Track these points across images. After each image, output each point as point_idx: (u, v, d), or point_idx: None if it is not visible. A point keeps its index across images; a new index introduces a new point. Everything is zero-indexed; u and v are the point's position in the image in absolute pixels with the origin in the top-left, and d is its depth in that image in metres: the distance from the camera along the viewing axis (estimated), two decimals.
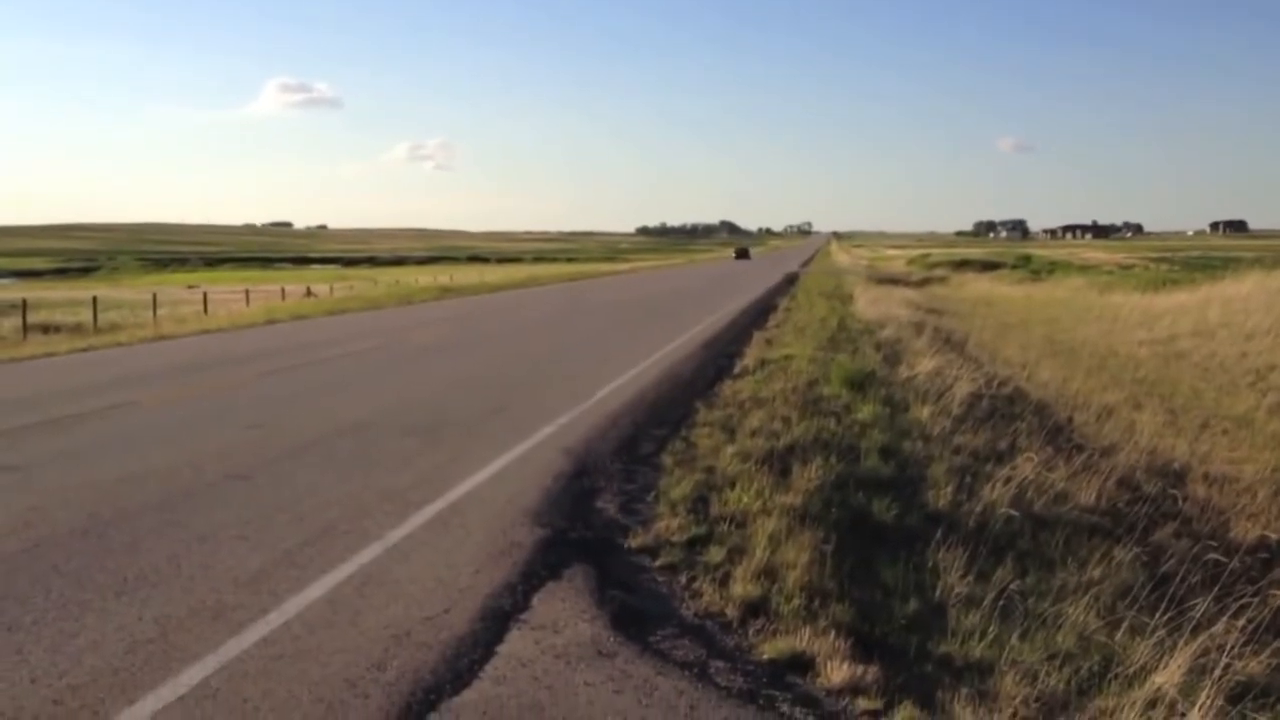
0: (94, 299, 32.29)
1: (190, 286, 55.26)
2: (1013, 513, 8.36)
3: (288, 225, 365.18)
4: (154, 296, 36.17)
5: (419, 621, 5.49)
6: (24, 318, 28.22)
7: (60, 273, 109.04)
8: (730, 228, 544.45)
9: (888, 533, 7.69)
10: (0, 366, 17.89)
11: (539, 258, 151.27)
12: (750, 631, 5.58)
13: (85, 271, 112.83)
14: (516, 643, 5.30)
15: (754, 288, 45.72)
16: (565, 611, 5.73)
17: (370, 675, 4.84)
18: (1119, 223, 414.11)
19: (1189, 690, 5.18)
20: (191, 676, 4.77)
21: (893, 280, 57.96)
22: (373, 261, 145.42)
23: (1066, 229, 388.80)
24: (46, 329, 28.03)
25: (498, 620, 5.57)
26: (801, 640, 5.39)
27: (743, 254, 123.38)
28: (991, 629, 5.88)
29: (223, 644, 5.14)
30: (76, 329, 28.41)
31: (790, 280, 54.23)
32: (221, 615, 5.51)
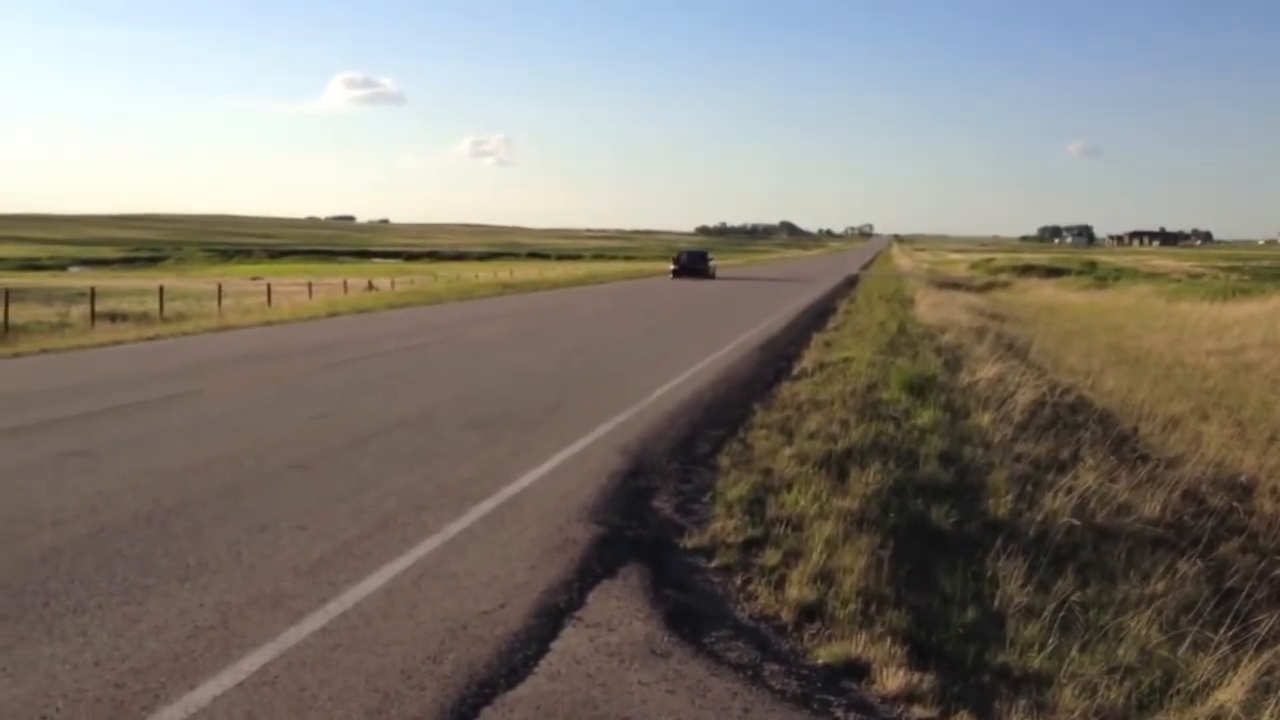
0: (160, 289, 32.90)
1: (254, 278, 56.18)
2: (1075, 522, 8.23)
3: (350, 219, 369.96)
4: (219, 287, 36.76)
5: (475, 616, 5.52)
6: (92, 306, 28.85)
7: (128, 262, 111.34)
8: (790, 228, 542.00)
9: (946, 540, 7.61)
10: (70, 354, 18.32)
11: (599, 255, 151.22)
12: (805, 635, 5.55)
13: (152, 261, 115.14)
14: (571, 639, 5.31)
15: (813, 291, 45.46)
16: (620, 610, 5.74)
17: (426, 668, 4.88)
18: (1188, 230, 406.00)
19: (1252, 708, 5.07)
20: (251, 664, 4.84)
21: (954, 285, 57.32)
22: (434, 256, 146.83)
23: (1134, 235, 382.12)
24: (114, 317, 28.61)
25: (552, 617, 5.59)
26: (857, 646, 5.35)
27: (691, 266, 57.32)
28: (1051, 640, 5.80)
29: (282, 632, 5.21)
30: (143, 318, 28.98)
31: (850, 283, 53.86)
32: (281, 604, 5.59)
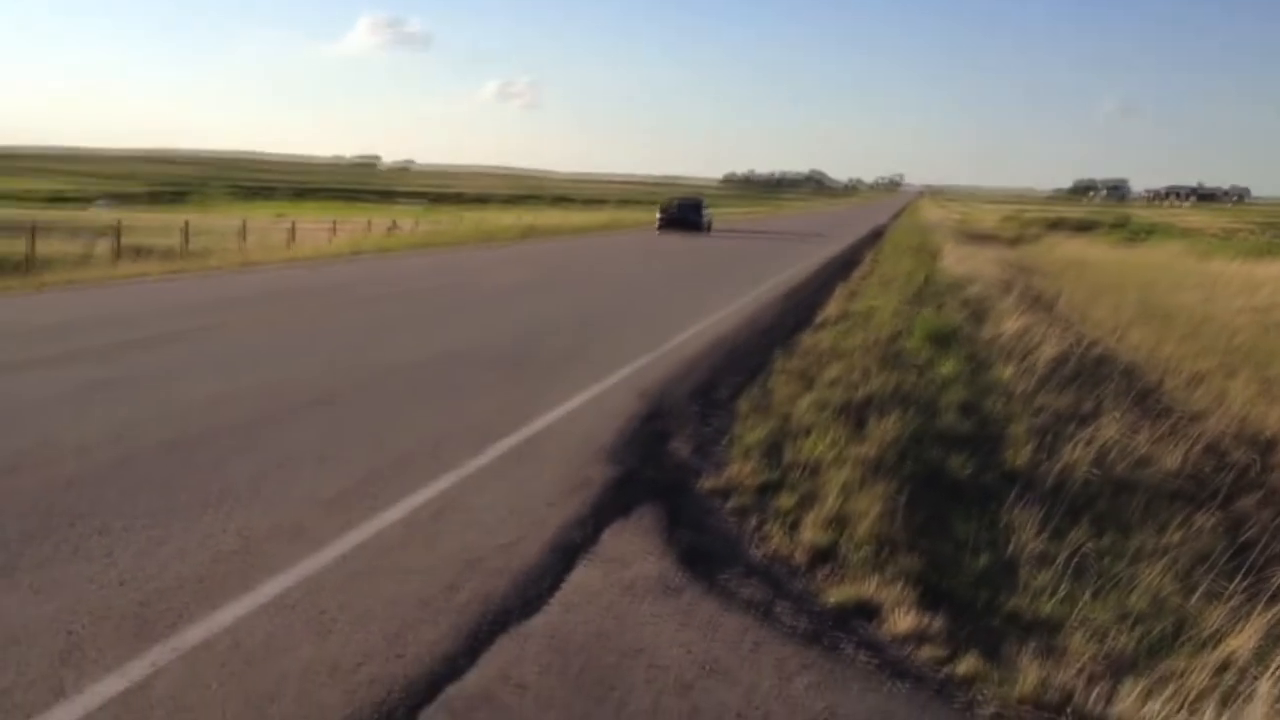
0: (185, 224, 33.05)
1: (278, 216, 56.23)
2: (1093, 472, 8.22)
3: (375, 160, 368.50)
4: (243, 225, 36.89)
5: (492, 549, 5.60)
6: (118, 240, 29.06)
7: (154, 198, 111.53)
8: (818, 179, 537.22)
9: (962, 488, 7.63)
10: (94, 287, 18.48)
11: (625, 201, 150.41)
12: (817, 577, 5.60)
13: (177, 197, 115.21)
14: (585, 574, 5.38)
15: (840, 240, 45.18)
16: (634, 548, 5.81)
17: (443, 596, 4.96)
18: (1224, 187, 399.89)
19: (1263, 655, 5.09)
20: (271, 588, 4.94)
21: (984, 238, 56.73)
22: (458, 199, 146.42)
23: (1169, 192, 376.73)
24: (139, 252, 28.82)
25: (568, 552, 5.66)
26: (869, 588, 5.40)
27: (682, 218, 48.55)
28: (1063, 587, 5.83)
29: (302, 560, 5.30)
30: (167, 253, 29.15)
31: (877, 234, 53.45)
32: (301, 533, 5.68)
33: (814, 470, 7.45)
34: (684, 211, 48.90)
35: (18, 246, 26.38)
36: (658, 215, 49.10)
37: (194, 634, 4.42)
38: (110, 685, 3.96)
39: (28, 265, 23.96)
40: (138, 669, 4.10)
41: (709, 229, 48.77)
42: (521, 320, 15.17)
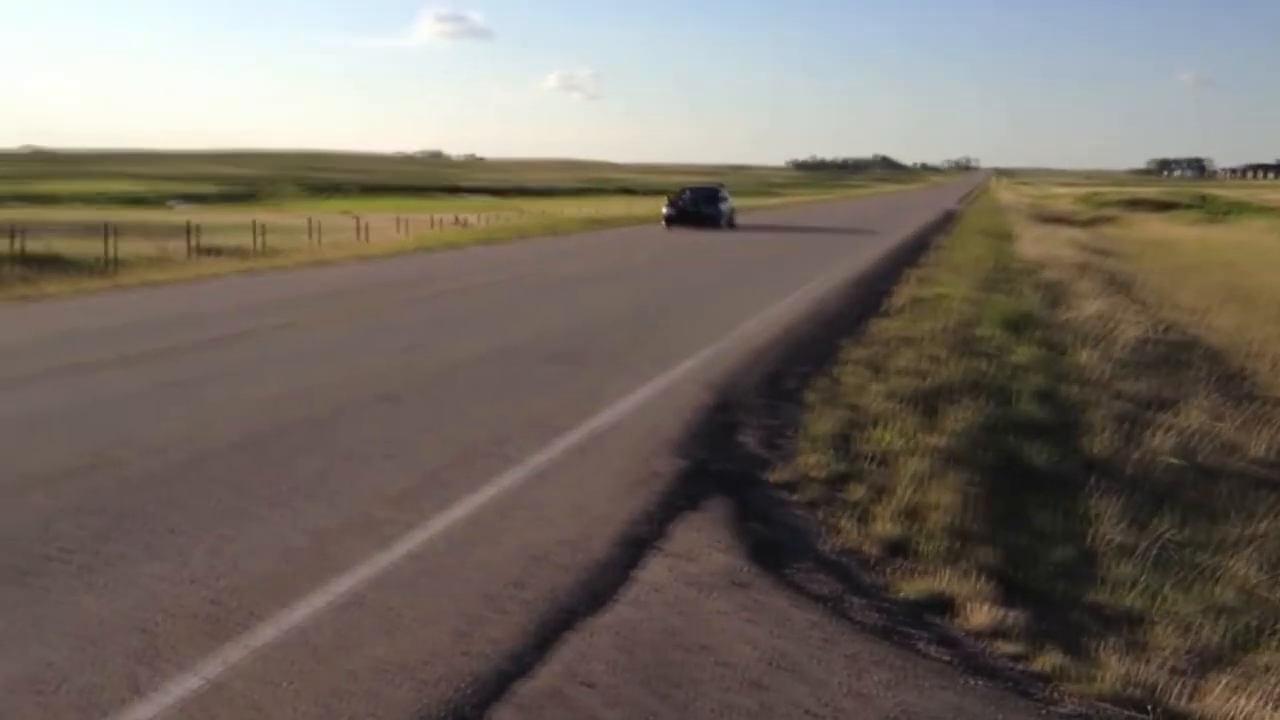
0: (254, 224, 33.60)
1: (346, 213, 57.01)
2: (1176, 461, 7.98)
3: (440, 154, 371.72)
4: (312, 222, 37.46)
5: (558, 544, 5.57)
6: (189, 240, 29.65)
7: (225, 198, 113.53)
8: (885, 162, 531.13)
9: (1040, 477, 7.44)
10: (169, 287, 18.86)
11: None
12: (889, 570, 5.48)
13: (248, 197, 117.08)
14: (652, 569, 5.33)
15: (909, 224, 44.55)
16: (702, 541, 5.74)
17: (509, 593, 4.94)
18: None
19: None
20: (341, 585, 4.96)
21: (1058, 220, 55.56)
22: (522, 192, 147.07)
23: (1250, 169, 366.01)
24: (211, 251, 29.42)
25: (634, 547, 5.61)
26: (943, 581, 5.27)
27: (694, 211, 38.85)
28: (1146, 579, 5.65)
29: (371, 556, 5.32)
30: (238, 252, 29.73)
31: (948, 217, 52.65)
32: (371, 529, 5.70)
33: (885, 461, 7.32)
34: (697, 201, 39.63)
35: (96, 247, 27.05)
36: (663, 209, 39.62)
37: (266, 632, 4.45)
38: (184, 683, 4.00)
39: (106, 266, 24.54)
40: (211, 667, 4.13)
41: (731, 224, 39.54)
42: (586, 312, 15.16)
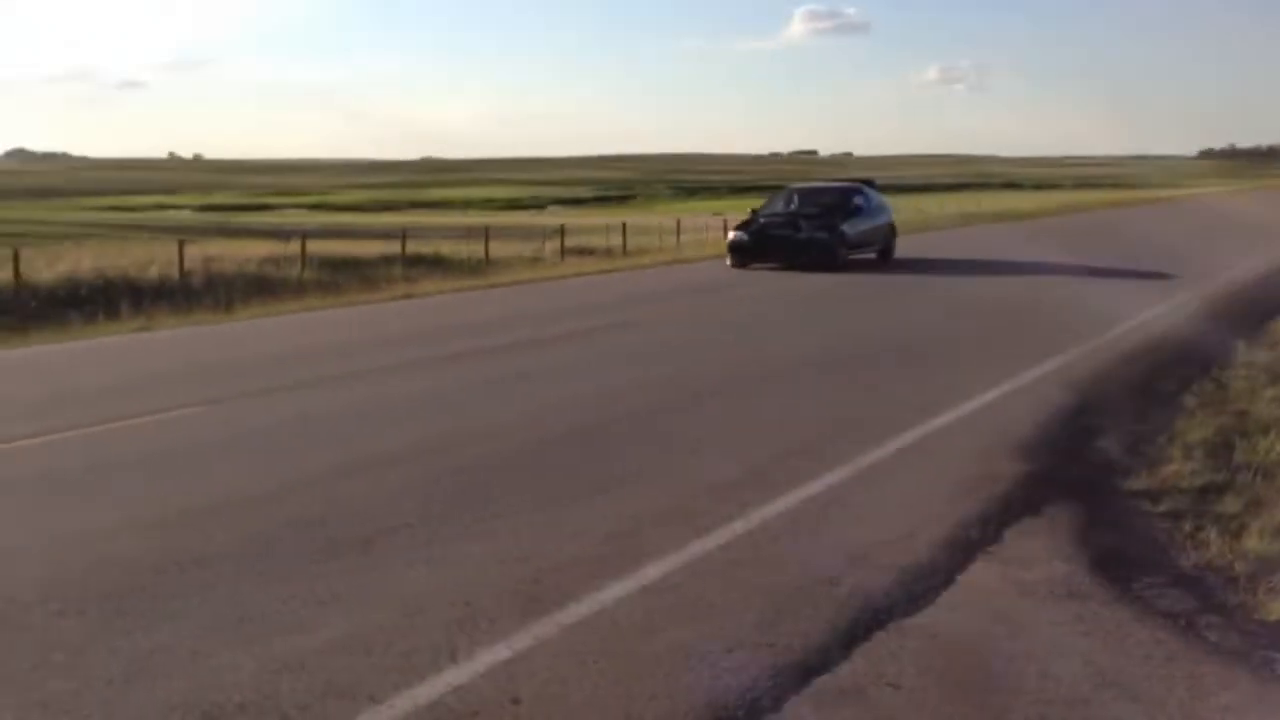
0: (623, 225, 35.42)
1: (715, 214, 58.48)
2: None
3: (813, 153, 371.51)
4: (677, 223, 38.87)
5: (878, 544, 5.33)
6: (562, 241, 31.88)
7: (600, 200, 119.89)
8: None
9: None
10: (537, 285, 20.49)
11: (1081, 184, 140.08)
12: (1260, 590, 4.77)
13: (621, 200, 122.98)
14: (979, 574, 4.97)
15: None
16: (1039, 549, 5.28)
17: (822, 589, 4.78)
18: None
19: None
20: (655, 570, 5.01)
21: None
22: (898, 188, 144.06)
23: None
24: (581, 252, 31.52)
25: (962, 550, 5.25)
26: None
27: (781, 239, 21.09)
28: None
29: (687, 544, 5.34)
30: (606, 252, 31.61)
31: None
32: (690, 519, 5.73)
33: (1270, 473, 6.43)
34: (793, 221, 21.99)
35: (476, 249, 29.80)
36: (731, 233, 23.21)
37: (577, 610, 4.57)
38: (496, 653, 4.17)
39: (484, 265, 26.94)
40: (522, 640, 4.28)
41: (884, 255, 22.77)
42: (943, 307, 14.62)
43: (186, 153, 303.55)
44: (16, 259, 17.49)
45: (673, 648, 4.22)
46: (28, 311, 15.62)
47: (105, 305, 16.05)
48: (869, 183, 24.54)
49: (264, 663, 4.08)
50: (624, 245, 32.71)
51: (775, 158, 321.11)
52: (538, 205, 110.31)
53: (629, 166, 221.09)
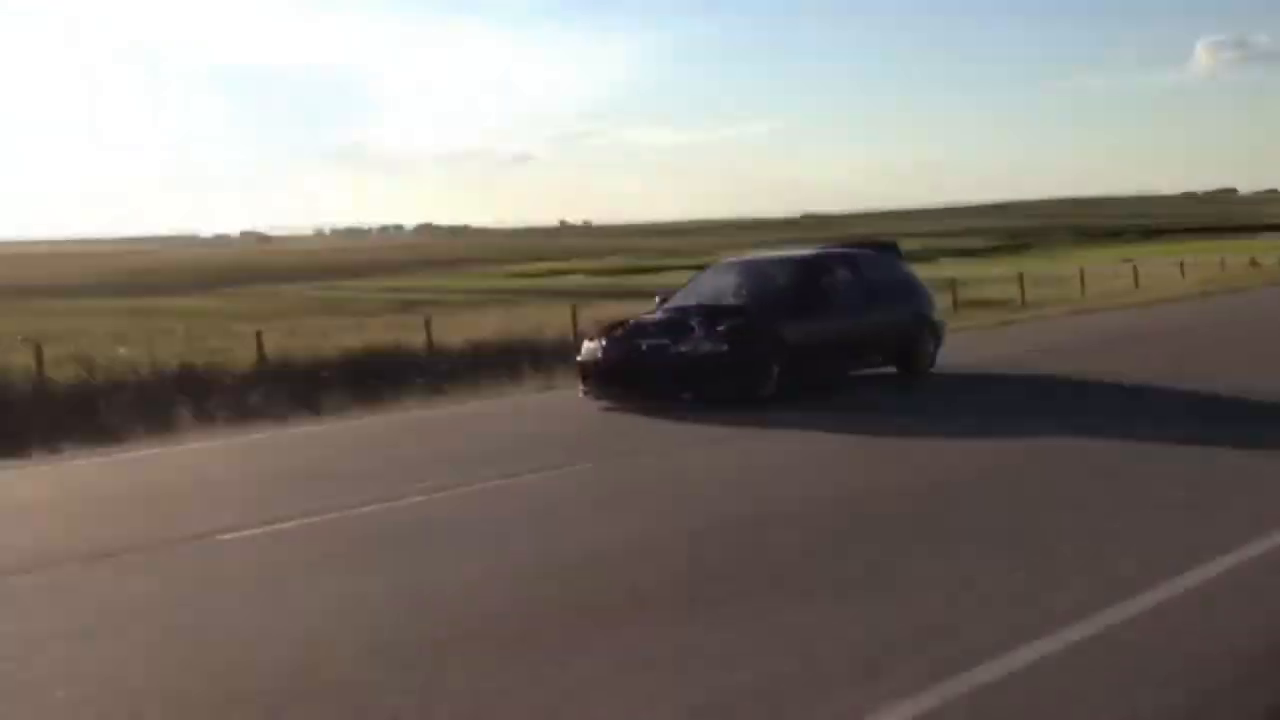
0: (1019, 275, 33.81)
1: (1124, 260, 54.54)
2: None
3: (1231, 191, 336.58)
4: (1080, 271, 36.68)
5: None
6: (953, 294, 30.95)
7: (996, 250, 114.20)
8: None
9: None
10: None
11: None
12: None
13: (1019, 248, 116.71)
14: None
15: None
16: None
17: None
18: None
19: None
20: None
21: None
22: None
23: None
24: (975, 304, 30.34)
25: None
26: None
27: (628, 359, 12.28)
28: None
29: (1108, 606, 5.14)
30: (1004, 304, 30.28)
31: None
32: (1113, 584, 5.48)
33: None
34: (672, 330, 12.73)
35: None
36: (584, 344, 13.57)
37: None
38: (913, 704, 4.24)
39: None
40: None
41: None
42: None
43: (576, 219, 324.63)
44: (429, 326, 19.10)
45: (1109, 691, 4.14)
46: (441, 373, 17.05)
47: (508, 367, 17.05)
48: (890, 246, 16.21)
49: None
50: (1022, 296, 31.29)
51: (1188, 197, 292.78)
52: (929, 257, 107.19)
53: (1024, 213, 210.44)
